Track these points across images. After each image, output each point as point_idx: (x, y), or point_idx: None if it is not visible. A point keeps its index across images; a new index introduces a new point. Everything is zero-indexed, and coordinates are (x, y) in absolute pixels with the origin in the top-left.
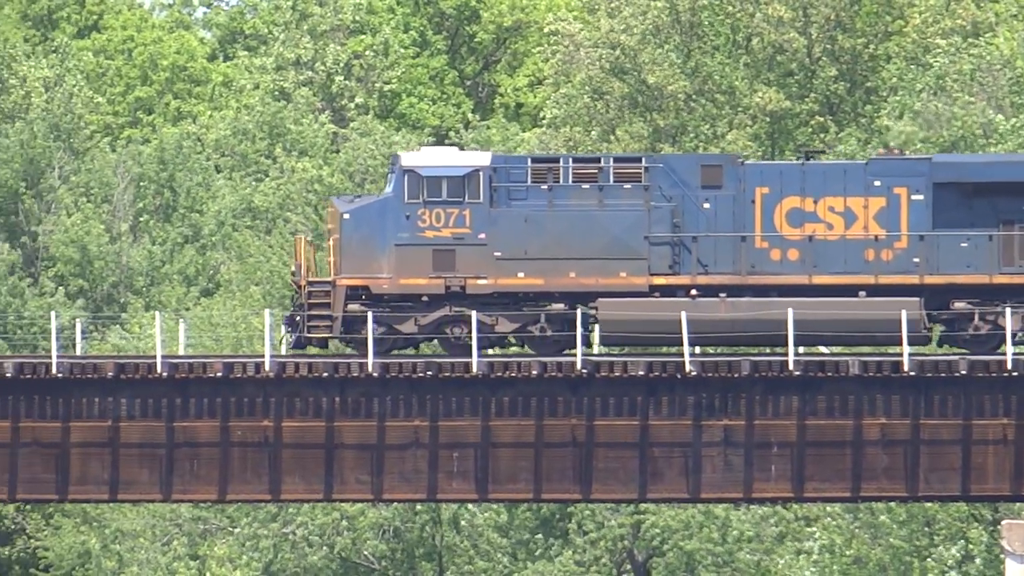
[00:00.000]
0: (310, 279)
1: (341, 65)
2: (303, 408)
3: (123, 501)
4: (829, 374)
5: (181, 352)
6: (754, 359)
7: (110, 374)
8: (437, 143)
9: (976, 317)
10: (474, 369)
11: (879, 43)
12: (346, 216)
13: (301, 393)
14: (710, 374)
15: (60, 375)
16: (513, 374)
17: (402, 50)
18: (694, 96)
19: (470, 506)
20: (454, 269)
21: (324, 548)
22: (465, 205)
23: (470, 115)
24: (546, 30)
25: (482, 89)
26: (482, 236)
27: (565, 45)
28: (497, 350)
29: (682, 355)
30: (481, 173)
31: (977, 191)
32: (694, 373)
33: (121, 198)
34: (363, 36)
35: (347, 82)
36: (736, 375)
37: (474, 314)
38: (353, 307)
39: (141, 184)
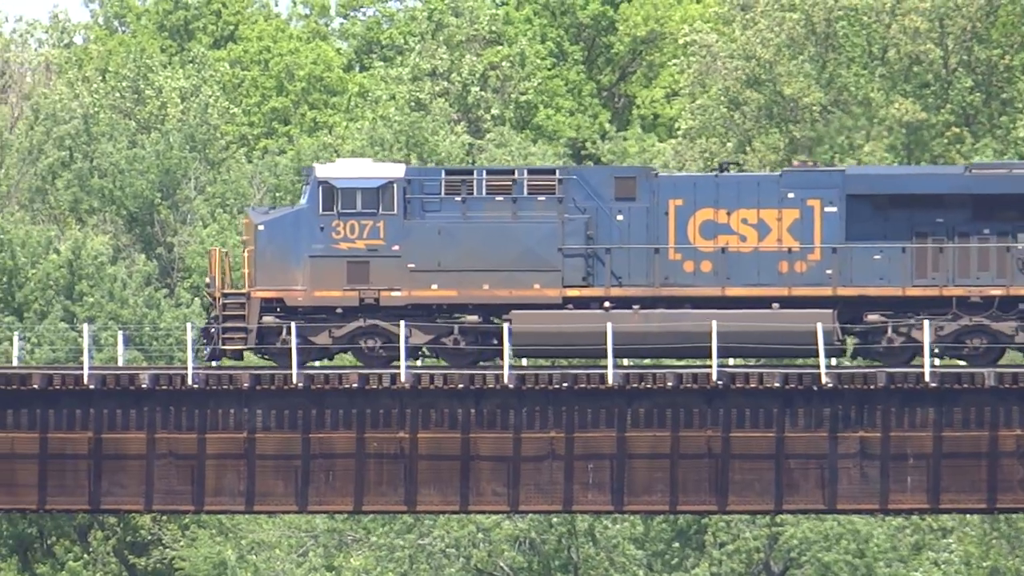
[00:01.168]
0: (224, 291)
1: (477, 76)
2: (439, 419)
3: (259, 512)
4: (965, 385)
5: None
6: (889, 371)
7: (246, 385)
8: (574, 154)
9: (889, 329)
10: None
11: (1015, 54)
12: (261, 228)
13: (437, 405)
14: (846, 386)
15: (196, 386)
16: (649, 385)
17: (539, 61)
18: (829, 107)
19: (604, 518)
20: (368, 281)
21: (460, 560)
22: (379, 217)
23: (607, 126)
24: (681, 41)
25: (618, 100)
26: (396, 248)
27: (701, 56)
28: (418, 362)
29: (817, 367)
30: (395, 185)
31: (891, 203)
32: (830, 385)
33: None
34: (499, 47)
35: (483, 93)
36: (872, 387)
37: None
38: (268, 319)
39: (277, 195)
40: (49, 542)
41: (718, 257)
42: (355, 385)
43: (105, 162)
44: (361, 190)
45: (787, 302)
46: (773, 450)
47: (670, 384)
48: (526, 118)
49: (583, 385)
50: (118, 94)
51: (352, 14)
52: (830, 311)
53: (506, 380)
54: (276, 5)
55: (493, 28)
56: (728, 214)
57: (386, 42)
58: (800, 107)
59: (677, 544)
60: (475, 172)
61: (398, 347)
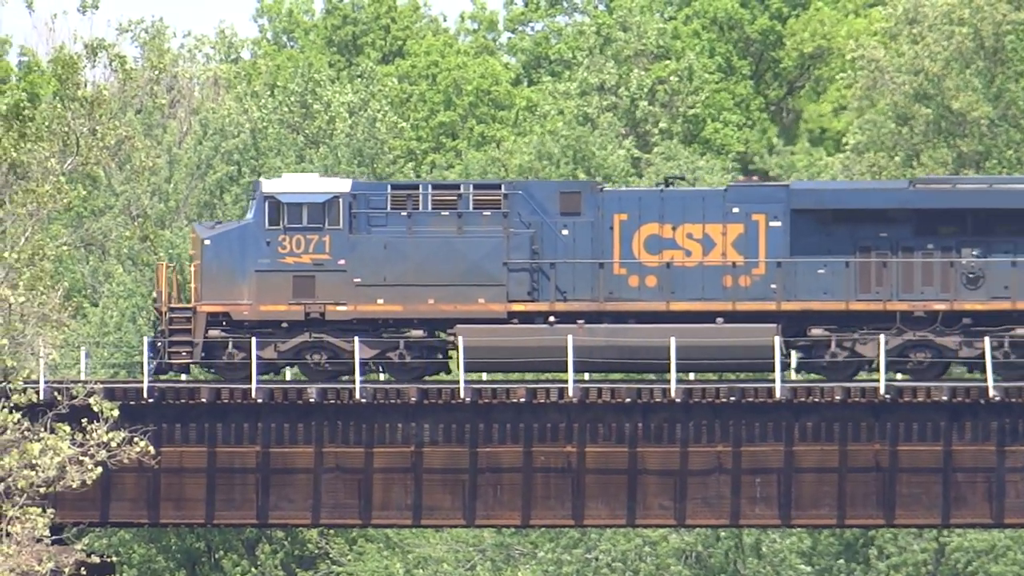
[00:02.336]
0: (171, 305)
1: (645, 90)
2: (606, 433)
3: (426, 526)
4: None
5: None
6: None
7: (413, 399)
8: (743, 168)
9: (833, 344)
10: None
11: None
12: (207, 242)
13: (604, 419)
14: (1014, 399)
15: (363, 401)
16: (816, 399)
17: (707, 75)
18: (997, 121)
19: (771, 531)
20: (314, 296)
21: (627, 574)
22: (325, 231)
23: (774, 140)
24: (849, 56)
25: (786, 114)
26: (341, 262)
27: (869, 70)
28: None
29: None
30: (340, 200)
31: (835, 218)
32: (997, 398)
33: None
34: (667, 61)
35: (651, 107)
36: None
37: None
38: (214, 333)
39: None
40: (217, 556)
41: (663, 272)
42: (522, 399)
43: (273, 176)
44: (307, 205)
45: (731, 317)
46: (940, 464)
47: (838, 398)
48: (694, 132)
49: (750, 399)
50: (286, 109)
51: (520, 29)
52: (773, 326)
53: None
54: (444, 20)
55: (661, 43)
56: (673, 229)
57: (554, 57)
58: (968, 121)
59: (843, 559)
60: (420, 187)
61: (343, 361)
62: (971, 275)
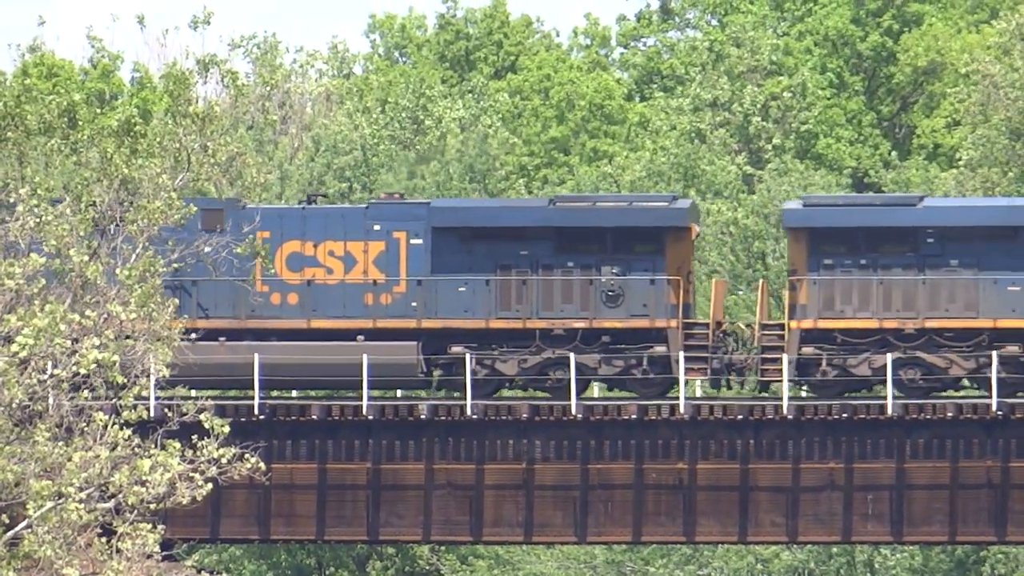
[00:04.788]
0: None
1: (758, 106)
2: (717, 450)
3: (537, 543)
4: None
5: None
6: None
7: (524, 416)
8: (855, 184)
9: (472, 361)
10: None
11: None
12: None
13: (716, 435)
14: None
15: (475, 417)
16: (928, 416)
17: (819, 91)
18: None
19: (883, 548)
20: None
21: None
22: None
23: (888, 155)
24: (963, 71)
25: (899, 130)
26: None
27: (983, 86)
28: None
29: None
30: None
31: (475, 236)
32: None
33: None
34: (780, 77)
35: (764, 123)
36: None
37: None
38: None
39: None
40: (328, 573)
41: (304, 289)
42: (634, 416)
43: (384, 193)
44: None
45: (372, 334)
46: None
47: (950, 415)
48: (806, 147)
49: (862, 416)
50: (397, 124)
51: (633, 44)
52: (414, 343)
53: (785, 410)
54: (557, 36)
55: (774, 58)
56: (315, 246)
57: (666, 72)
58: None
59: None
60: None
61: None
62: (610, 293)
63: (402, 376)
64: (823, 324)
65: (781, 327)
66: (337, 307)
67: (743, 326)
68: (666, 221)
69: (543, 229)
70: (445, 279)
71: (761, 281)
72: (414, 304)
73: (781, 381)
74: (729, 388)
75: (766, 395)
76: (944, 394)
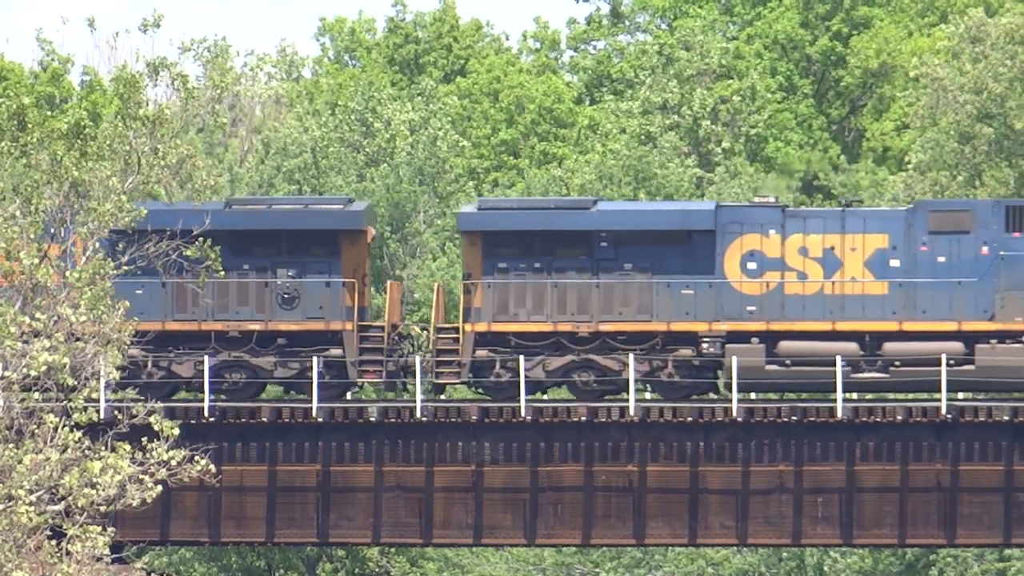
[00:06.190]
0: None
1: (708, 110)
2: (667, 453)
3: (487, 545)
4: None
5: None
6: None
7: (474, 418)
8: (804, 187)
9: (149, 363)
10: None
11: None
12: None
13: (665, 438)
14: None
15: (424, 419)
16: (878, 419)
17: (769, 95)
18: None
19: (833, 551)
20: None
21: None
22: None
23: (838, 159)
24: (912, 74)
25: (849, 133)
26: None
27: (932, 89)
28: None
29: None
30: None
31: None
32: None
33: None
34: (730, 81)
35: (713, 126)
36: None
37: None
38: None
39: None
40: (278, 574)
41: None
42: (583, 418)
43: (333, 196)
44: None
45: None
46: (1002, 483)
47: (899, 418)
48: (756, 151)
49: (812, 418)
50: (347, 127)
51: (582, 47)
52: None
53: (735, 413)
54: (507, 39)
55: (723, 62)
56: None
57: (616, 76)
58: None
59: None
60: None
61: None
62: (286, 295)
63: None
64: (497, 327)
65: (456, 330)
66: None
67: (418, 329)
68: (341, 224)
69: (217, 232)
70: (121, 281)
71: (436, 284)
72: None
73: (455, 384)
74: (405, 391)
75: (715, 397)
76: (892, 397)
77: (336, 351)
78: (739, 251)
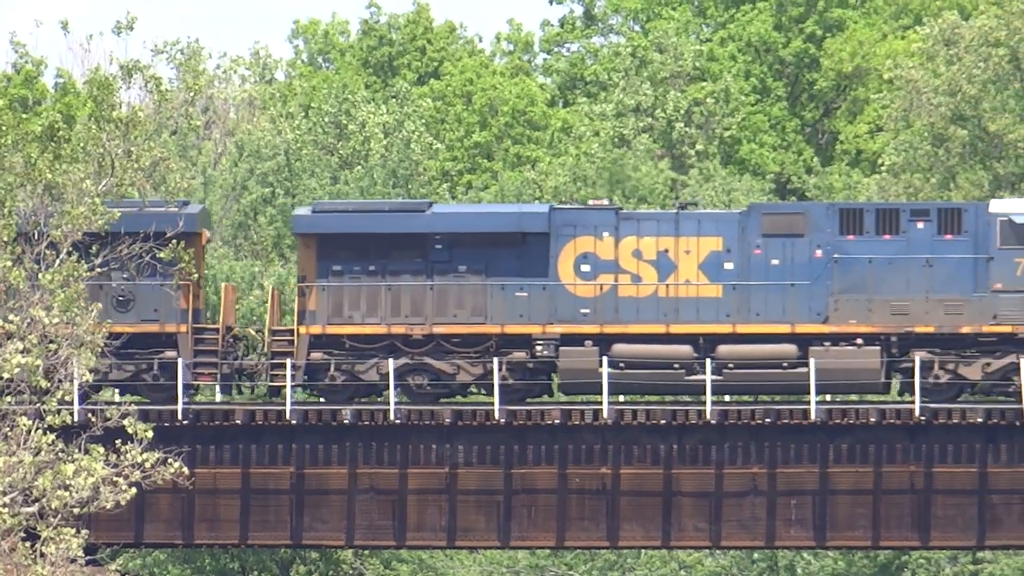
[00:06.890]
0: None
1: (682, 112)
2: (641, 455)
3: (460, 547)
4: None
5: None
6: None
7: (447, 421)
8: (778, 190)
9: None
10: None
11: None
12: None
13: (639, 440)
14: None
15: (398, 421)
16: (851, 421)
17: (742, 97)
18: None
19: (806, 553)
20: None
21: None
22: None
23: (812, 161)
24: (886, 76)
25: (822, 136)
26: None
27: (906, 91)
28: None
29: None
30: None
31: None
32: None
33: None
34: (703, 83)
35: (687, 129)
36: None
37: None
38: None
39: None
40: None
41: None
42: (557, 421)
43: (308, 198)
44: None
45: None
46: (976, 485)
47: (872, 420)
48: (730, 153)
49: (786, 421)
50: (320, 130)
51: (556, 50)
52: None
53: (709, 415)
54: (480, 41)
55: (697, 65)
56: None
57: (590, 78)
58: (1005, 143)
59: None
60: None
61: None
62: (121, 298)
63: None
64: (331, 330)
65: (291, 332)
66: None
67: (253, 331)
68: (175, 226)
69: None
70: None
71: (271, 287)
72: None
73: (287, 386)
74: (240, 393)
75: (688, 399)
76: (864, 398)
77: (171, 353)
78: (573, 253)
